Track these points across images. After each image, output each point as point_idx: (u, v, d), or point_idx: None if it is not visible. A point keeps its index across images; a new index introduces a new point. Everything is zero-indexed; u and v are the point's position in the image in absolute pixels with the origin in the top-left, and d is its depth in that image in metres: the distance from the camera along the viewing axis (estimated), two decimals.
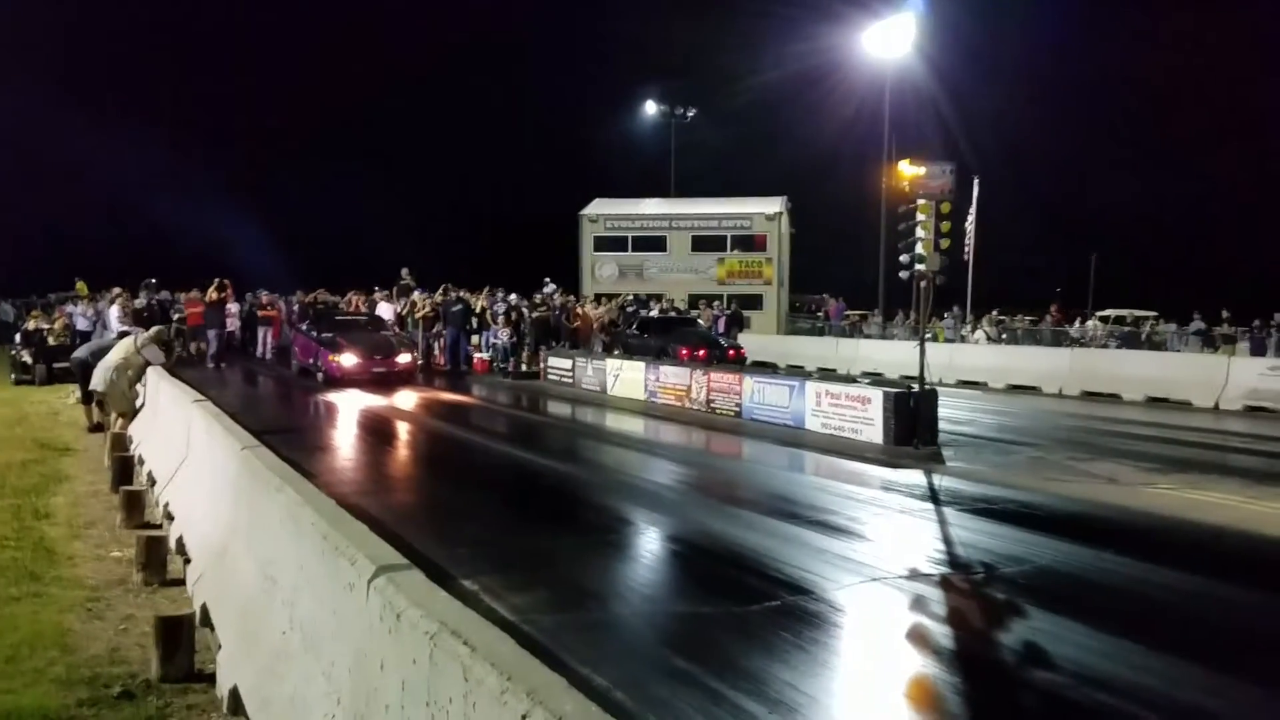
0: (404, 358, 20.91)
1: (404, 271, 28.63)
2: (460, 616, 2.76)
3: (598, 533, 8.10)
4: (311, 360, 21.06)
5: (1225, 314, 27.31)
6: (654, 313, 28.64)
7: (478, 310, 25.50)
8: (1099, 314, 35.88)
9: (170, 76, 72.78)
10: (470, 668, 2.41)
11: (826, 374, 18.71)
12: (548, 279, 31.30)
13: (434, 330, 25.45)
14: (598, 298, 32.08)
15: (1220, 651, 5.44)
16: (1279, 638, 5.83)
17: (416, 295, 26.75)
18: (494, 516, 9.02)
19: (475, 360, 24.89)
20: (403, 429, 14.89)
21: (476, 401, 19.20)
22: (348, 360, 19.83)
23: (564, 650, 5.06)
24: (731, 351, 23.75)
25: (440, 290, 26.13)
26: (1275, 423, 16.34)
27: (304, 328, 22.92)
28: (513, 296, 27.21)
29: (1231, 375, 18.52)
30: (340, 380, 19.65)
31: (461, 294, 26.19)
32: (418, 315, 25.51)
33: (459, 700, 2.45)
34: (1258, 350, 23.62)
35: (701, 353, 22.17)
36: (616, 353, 22.57)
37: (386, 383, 19.90)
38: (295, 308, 27.17)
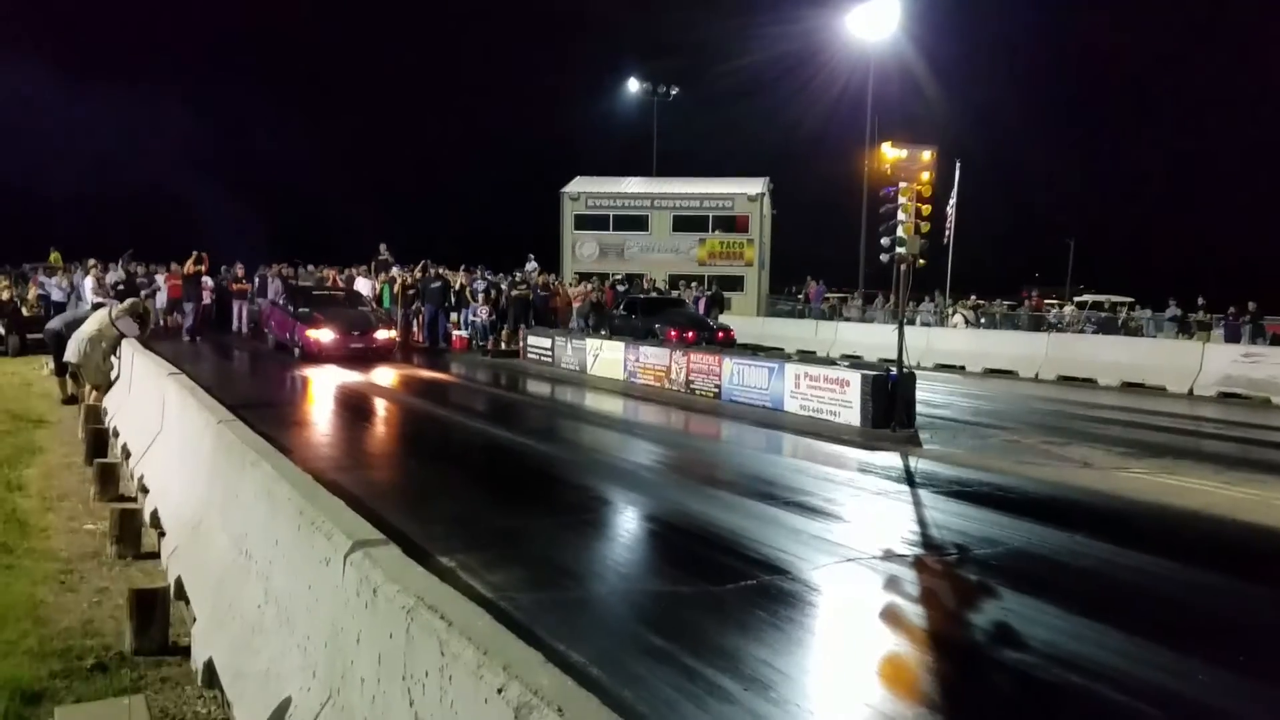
0: (382, 334, 20.77)
1: (382, 247, 28.48)
2: (437, 591, 2.76)
3: (575, 511, 8.11)
4: (288, 335, 20.89)
5: (1201, 301, 27.57)
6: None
7: (457, 288, 25.39)
8: (1076, 299, 36.13)
9: (153, 43, 71.88)
10: (447, 642, 2.41)
11: (806, 356, 18.76)
12: (531, 255, 31.20)
13: (413, 307, 25.34)
14: (584, 277, 31.92)
15: (1188, 634, 5.51)
16: (1246, 621, 5.91)
17: (396, 271, 26.62)
18: (471, 494, 9.01)
19: (454, 338, 24.81)
20: (380, 406, 14.83)
21: (454, 379, 19.14)
22: (325, 336, 19.72)
23: (541, 627, 5.08)
24: (721, 334, 23.67)
25: (419, 267, 26.01)
26: (1248, 409, 16.54)
27: (280, 302, 22.72)
28: (487, 274, 27.12)
29: (1206, 361, 18.71)
30: (317, 356, 19.52)
31: (441, 271, 26.08)
32: (395, 291, 25.39)
33: (435, 674, 2.45)
34: (1232, 337, 23.84)
35: (690, 334, 22.07)
36: (603, 333, 22.48)
37: (364, 359, 19.81)
38: (272, 282, 26.89)
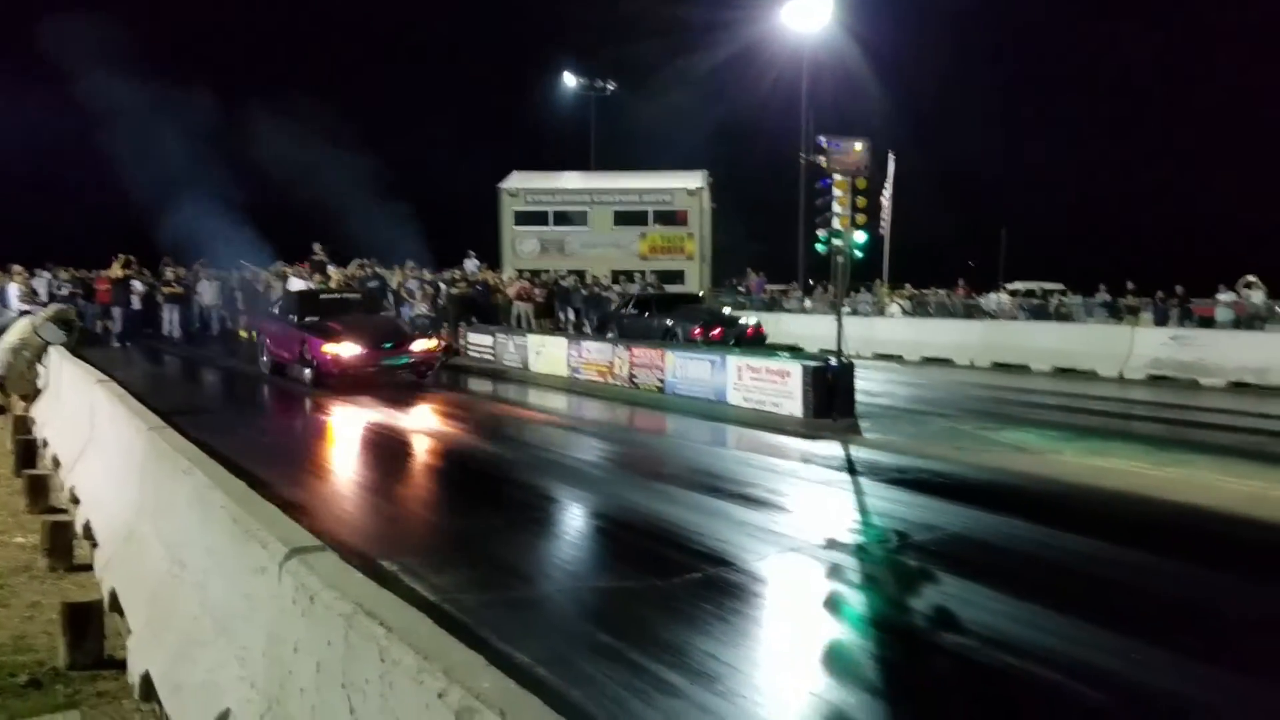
0: (420, 344, 16.74)
1: (316, 246, 27.88)
2: (376, 597, 2.73)
3: (520, 510, 8.08)
4: (290, 354, 16.80)
5: (1130, 285, 28.21)
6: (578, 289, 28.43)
7: (395, 287, 25.08)
8: (1008, 287, 36.78)
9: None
10: (387, 648, 2.39)
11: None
12: (471, 252, 30.92)
13: None
14: (524, 274, 31.68)
15: (1121, 613, 5.65)
16: (1177, 599, 6.07)
17: (332, 270, 26.18)
18: (412, 496, 8.94)
19: None
20: (314, 408, 14.60)
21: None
22: (347, 350, 15.63)
23: (486, 628, 5.05)
24: (750, 330, 21.29)
25: (355, 265, 25.63)
26: (1177, 390, 16.98)
27: (277, 312, 18.67)
28: (424, 271, 26.78)
29: (1135, 345, 19.18)
30: (339, 376, 15.70)
31: (378, 270, 25.73)
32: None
33: (375, 681, 2.43)
34: (1161, 320, 24.46)
35: (716, 332, 20.07)
36: (610, 335, 20.96)
37: (399, 377, 16.60)
38: (209, 283, 26.13)
